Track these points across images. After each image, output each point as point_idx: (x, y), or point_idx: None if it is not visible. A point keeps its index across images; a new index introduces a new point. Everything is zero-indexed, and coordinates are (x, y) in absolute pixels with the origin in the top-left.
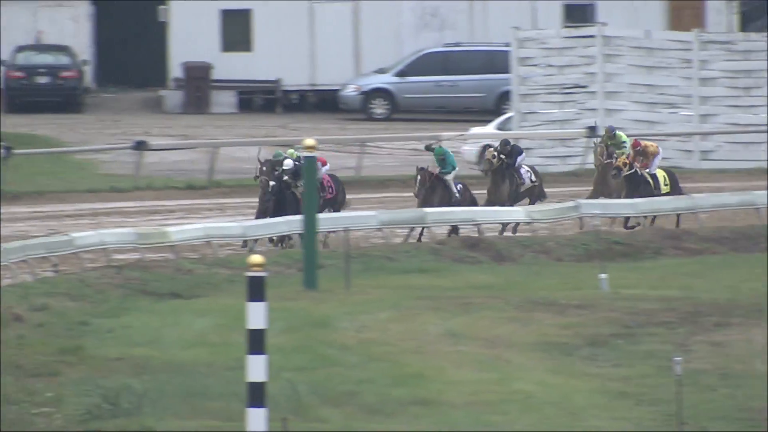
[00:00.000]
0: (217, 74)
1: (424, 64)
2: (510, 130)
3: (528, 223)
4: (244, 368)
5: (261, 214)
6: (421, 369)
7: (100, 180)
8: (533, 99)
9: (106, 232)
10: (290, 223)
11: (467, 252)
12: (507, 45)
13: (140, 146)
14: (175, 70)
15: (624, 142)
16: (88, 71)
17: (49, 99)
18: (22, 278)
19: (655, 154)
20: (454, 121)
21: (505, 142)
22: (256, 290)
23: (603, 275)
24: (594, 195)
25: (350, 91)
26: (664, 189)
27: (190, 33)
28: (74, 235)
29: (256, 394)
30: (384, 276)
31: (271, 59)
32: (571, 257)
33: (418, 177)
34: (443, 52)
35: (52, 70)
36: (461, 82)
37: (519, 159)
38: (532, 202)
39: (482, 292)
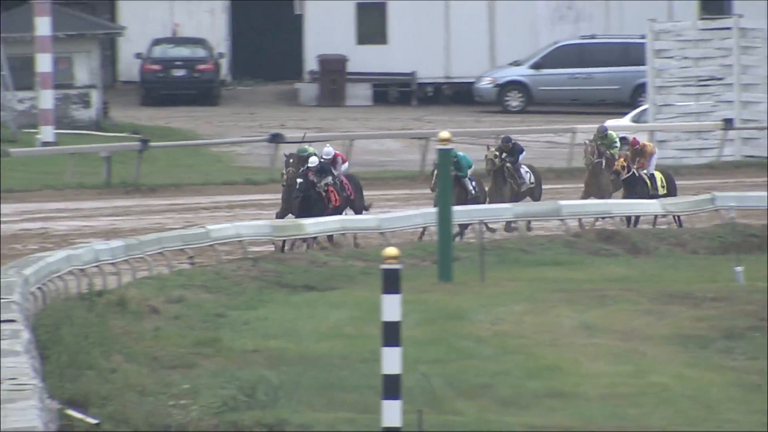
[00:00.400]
0: (352, 67)
1: (559, 57)
2: (645, 122)
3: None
4: (379, 360)
5: (284, 212)
6: (556, 361)
7: (235, 172)
8: (669, 91)
9: (241, 225)
10: (425, 216)
11: (602, 244)
12: (642, 37)
13: (276, 139)
14: (310, 63)
15: (615, 141)
16: (224, 64)
17: (185, 92)
18: (158, 270)
19: (652, 154)
20: (588, 113)
21: (506, 140)
22: (391, 282)
23: (739, 268)
24: (585, 195)
25: (485, 83)
26: (661, 191)
27: (326, 26)
28: (210, 227)
29: (391, 387)
30: (519, 268)
31: (406, 52)
32: (707, 250)
33: (435, 172)
34: (578, 44)
35: (188, 63)
36: (596, 75)
37: (521, 157)
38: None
39: (617, 284)
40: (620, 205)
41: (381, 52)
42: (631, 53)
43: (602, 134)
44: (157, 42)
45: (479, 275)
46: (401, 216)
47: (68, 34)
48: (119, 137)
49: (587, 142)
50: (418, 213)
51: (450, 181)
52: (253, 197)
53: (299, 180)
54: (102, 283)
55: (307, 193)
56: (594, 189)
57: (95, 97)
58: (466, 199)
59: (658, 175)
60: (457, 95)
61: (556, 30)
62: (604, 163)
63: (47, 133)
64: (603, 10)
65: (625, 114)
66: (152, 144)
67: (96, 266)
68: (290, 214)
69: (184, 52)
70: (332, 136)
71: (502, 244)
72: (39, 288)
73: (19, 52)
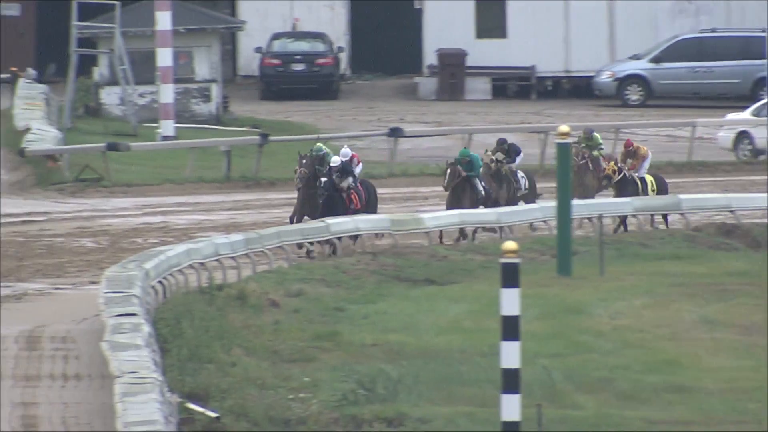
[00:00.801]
0: (471, 61)
1: (679, 50)
2: (765, 116)
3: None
4: (498, 355)
5: (301, 215)
6: (676, 356)
7: None
8: None
9: (360, 219)
10: (544, 210)
11: (723, 238)
12: (763, 31)
13: (395, 133)
14: (429, 57)
15: (600, 144)
16: (344, 58)
17: (304, 86)
18: (278, 264)
19: (645, 157)
20: (708, 107)
21: (501, 141)
22: (510, 276)
23: None
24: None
25: (605, 77)
26: (651, 194)
27: (445, 20)
28: (329, 221)
29: (510, 381)
30: (638, 262)
31: (525, 45)
32: None
33: (449, 171)
34: (699, 38)
35: (307, 57)
36: (716, 68)
37: (518, 159)
38: None
39: (738, 278)
40: (740, 199)
41: (500, 46)
42: (751, 47)
43: (588, 136)
44: (276, 36)
45: (598, 269)
46: (520, 210)
47: (189, 29)
48: (239, 131)
49: (571, 143)
50: (537, 207)
51: (569, 175)
52: None
53: (323, 179)
54: (222, 277)
55: (332, 193)
56: (579, 190)
57: (215, 91)
58: (477, 201)
59: (648, 179)
60: (577, 89)
61: (676, 24)
62: (589, 165)
63: (167, 127)
64: (723, 4)
65: (746, 108)
66: (272, 138)
67: (216, 260)
68: (306, 216)
69: (303, 46)
70: (451, 130)
71: (621, 238)
72: (159, 282)
73: (140, 47)
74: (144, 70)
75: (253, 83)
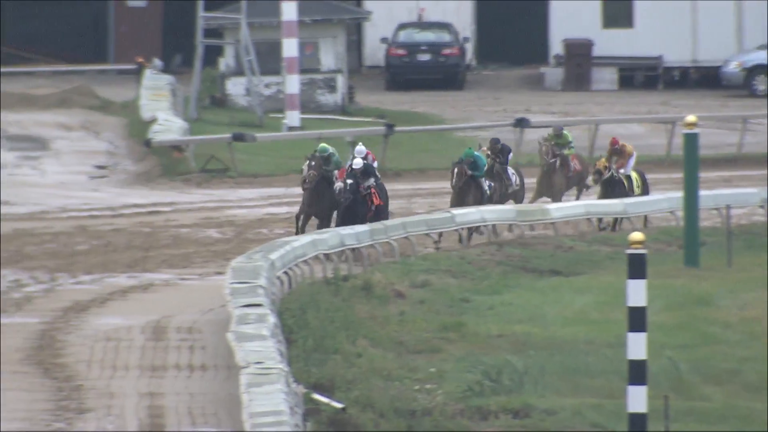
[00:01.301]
0: (597, 51)
1: None
2: None
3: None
4: (625, 346)
5: (307, 216)
6: None
7: None
8: None
9: (486, 209)
10: (671, 201)
11: None
12: None
13: (520, 123)
14: (555, 47)
15: (570, 141)
16: (469, 48)
17: (430, 76)
18: (404, 255)
19: (630, 155)
20: None
21: (495, 141)
22: (637, 268)
23: None
24: (537, 195)
25: (732, 67)
26: (637, 191)
27: (571, 10)
28: (455, 212)
29: (637, 372)
30: (766, 254)
31: (652, 35)
32: None
33: (456, 170)
34: None
35: (433, 48)
36: None
37: (509, 158)
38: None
39: None
40: None
41: (627, 35)
42: None
43: (558, 133)
44: (402, 26)
45: (726, 260)
46: (647, 201)
47: (314, 20)
48: (364, 122)
49: (541, 142)
50: (664, 198)
51: (697, 165)
52: None
53: (349, 181)
54: (347, 268)
55: (356, 196)
56: (546, 189)
57: (340, 81)
58: (481, 200)
59: (634, 175)
60: (704, 79)
61: None
62: (558, 163)
63: (293, 117)
64: None
65: None
66: (397, 128)
67: (341, 251)
68: (316, 218)
69: (429, 36)
70: (577, 121)
71: (749, 229)
72: (285, 272)
73: (266, 38)
74: (270, 60)
75: (379, 73)
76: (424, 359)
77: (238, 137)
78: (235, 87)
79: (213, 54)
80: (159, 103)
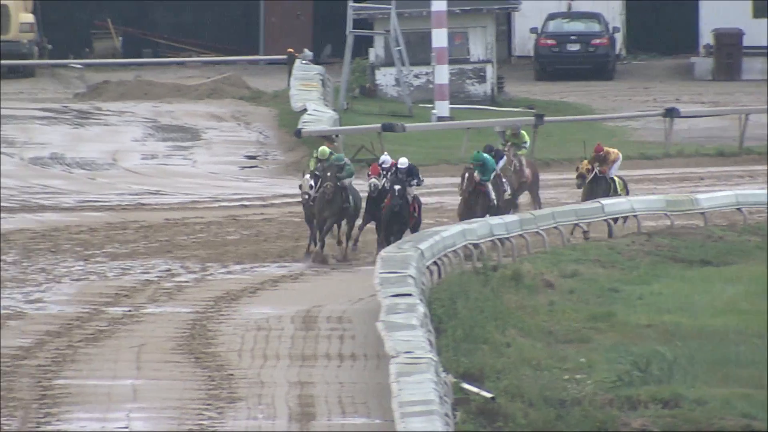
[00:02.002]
0: (747, 40)
1: None
2: None
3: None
4: None
5: (320, 220)
6: None
7: (630, 147)
8: None
9: (635, 199)
10: None
11: None
12: None
13: (670, 113)
14: (705, 37)
15: (526, 142)
16: (619, 38)
17: (579, 66)
18: (553, 245)
19: (615, 161)
20: None
21: (489, 148)
22: None
23: None
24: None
25: None
26: (621, 193)
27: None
28: (604, 202)
29: None
30: None
31: None
32: None
33: (466, 175)
34: None
35: (582, 38)
36: None
37: (501, 163)
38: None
39: None
40: None
41: None
42: None
43: (515, 133)
44: (552, 17)
45: None
46: None
47: (464, 10)
48: (514, 112)
49: (501, 144)
50: None
51: None
52: (648, 172)
53: (397, 186)
54: (497, 258)
55: (404, 200)
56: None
57: (490, 72)
58: (488, 206)
59: (617, 179)
60: None
61: None
62: (515, 166)
63: (442, 108)
64: None
65: None
66: (547, 119)
67: (491, 240)
68: (324, 222)
69: (578, 26)
70: (727, 110)
71: None
72: (434, 262)
73: (415, 28)
74: (419, 50)
75: (528, 64)
76: (573, 349)
77: (387, 127)
78: (384, 77)
79: (363, 44)
80: (309, 93)
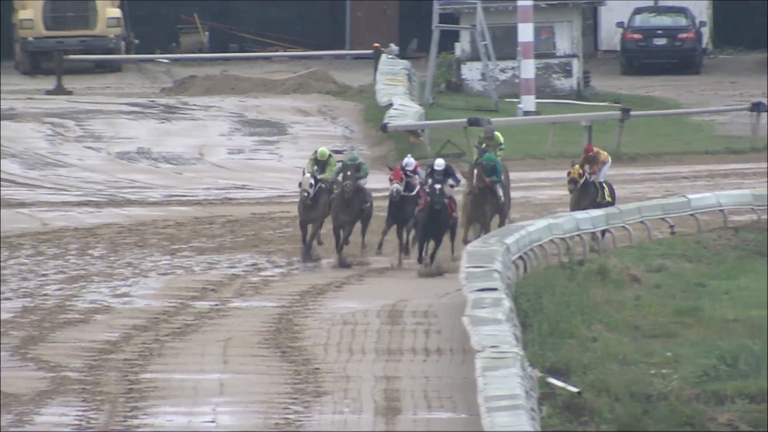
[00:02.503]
0: None
1: None
2: None
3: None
4: None
5: (336, 222)
6: None
7: (716, 141)
8: None
9: (722, 194)
10: None
11: None
12: None
13: (757, 107)
14: None
15: (501, 144)
16: (706, 33)
17: (666, 61)
18: (639, 239)
19: (604, 162)
20: None
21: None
22: None
23: None
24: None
25: None
26: (608, 200)
27: None
28: (690, 196)
29: None
30: None
31: None
32: None
33: (476, 171)
34: None
35: (669, 32)
36: None
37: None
38: (501, 223)
39: None
40: None
41: None
42: None
43: (489, 135)
44: (638, 11)
45: None
46: None
47: (550, 4)
48: (600, 106)
49: (476, 146)
50: None
51: None
52: (734, 166)
53: (437, 186)
54: (582, 252)
55: (443, 201)
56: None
57: (576, 66)
58: (497, 207)
59: (605, 185)
60: None
61: None
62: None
63: (528, 102)
64: None
65: None
66: (633, 113)
67: (577, 235)
68: (342, 228)
69: (665, 21)
70: None
71: None
72: (520, 257)
73: (501, 22)
74: (505, 45)
75: (614, 58)
76: (659, 343)
77: (473, 122)
78: (470, 72)
79: (449, 39)
80: (395, 88)
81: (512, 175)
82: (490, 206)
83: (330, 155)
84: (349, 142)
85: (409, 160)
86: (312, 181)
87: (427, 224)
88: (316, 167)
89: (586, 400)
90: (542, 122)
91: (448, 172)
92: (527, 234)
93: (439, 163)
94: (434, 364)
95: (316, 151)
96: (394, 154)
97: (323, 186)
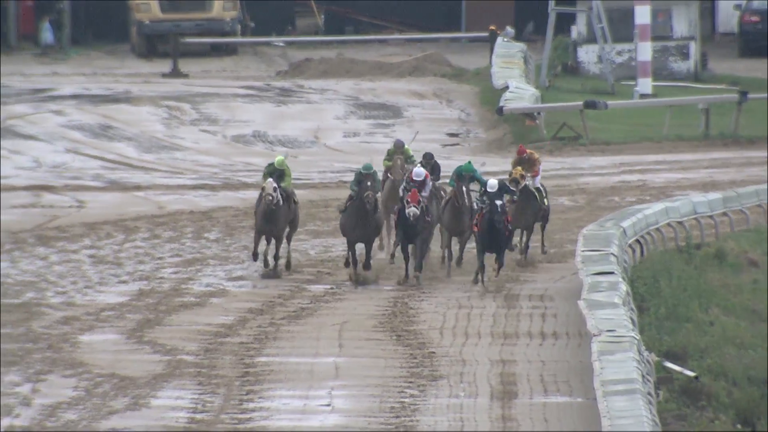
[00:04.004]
0: None
1: None
2: None
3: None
4: None
5: (352, 235)
6: None
7: None
8: None
9: None
10: None
11: None
12: None
13: None
14: None
15: (412, 156)
16: None
17: None
18: (756, 223)
19: (540, 163)
20: None
21: (429, 156)
22: None
23: None
24: (386, 209)
25: None
26: (546, 203)
27: None
28: None
29: None
30: None
31: None
32: None
33: (465, 189)
34: None
35: None
36: None
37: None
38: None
39: None
40: None
41: None
42: None
43: (400, 148)
44: None
45: None
46: None
47: None
48: (717, 89)
49: (392, 157)
50: None
51: None
52: None
53: (498, 202)
54: (700, 236)
55: (501, 217)
56: (395, 202)
57: (693, 48)
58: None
59: (542, 188)
60: None
61: None
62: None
63: (644, 85)
64: None
65: None
66: (751, 95)
67: (694, 219)
68: (360, 241)
69: None
70: None
71: None
72: (637, 240)
73: (618, 5)
74: (621, 28)
75: (732, 40)
76: None
77: (589, 105)
78: (586, 54)
79: (565, 22)
80: (511, 70)
81: (629, 158)
82: (468, 219)
83: (372, 169)
84: (465, 125)
85: (419, 170)
86: (275, 185)
87: (488, 239)
88: (270, 179)
89: (703, 385)
90: (659, 105)
91: (502, 189)
92: (644, 217)
93: (492, 185)
94: (550, 348)
95: (273, 161)
96: (510, 138)
97: (283, 195)
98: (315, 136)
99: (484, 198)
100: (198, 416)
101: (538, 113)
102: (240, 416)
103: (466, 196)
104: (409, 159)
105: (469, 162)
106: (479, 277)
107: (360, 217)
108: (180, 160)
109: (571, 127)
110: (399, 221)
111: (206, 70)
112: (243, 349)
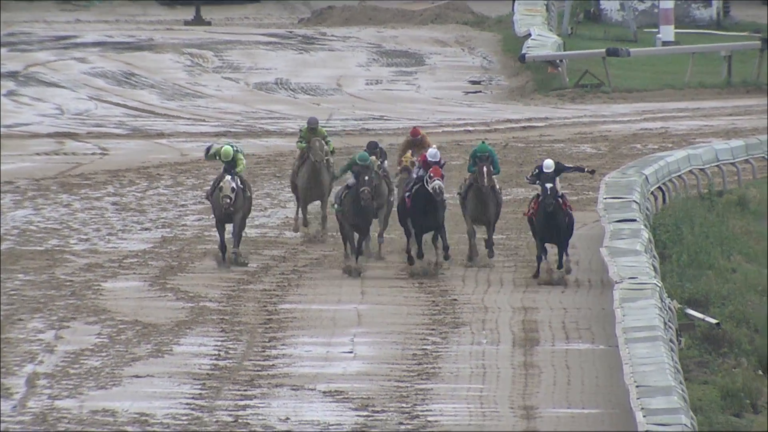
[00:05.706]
0: None
1: None
2: None
3: None
4: None
5: (353, 228)
6: None
7: None
8: None
9: None
10: None
11: None
12: None
13: None
14: None
15: (326, 135)
16: None
17: None
18: None
19: (431, 147)
20: None
21: (373, 145)
22: None
23: None
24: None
25: None
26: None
27: None
28: None
29: None
30: None
31: None
32: None
33: (485, 168)
34: None
35: None
36: None
37: (386, 163)
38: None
39: None
40: None
41: None
42: None
43: (313, 127)
44: None
45: None
46: None
47: None
48: (739, 36)
49: (315, 140)
50: None
51: None
52: None
53: (548, 185)
54: (722, 183)
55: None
56: (315, 189)
57: None
58: (498, 204)
59: None
60: None
61: None
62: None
63: (667, 32)
64: None
65: None
66: None
67: (716, 166)
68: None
69: None
70: None
71: None
72: (659, 187)
73: None
74: None
75: None
76: None
77: (612, 52)
78: (609, 2)
79: None
80: (533, 18)
81: (651, 106)
82: (493, 205)
83: (236, 150)
84: (487, 73)
85: (434, 151)
86: (233, 185)
87: (544, 226)
88: (228, 178)
89: (725, 332)
90: (681, 52)
91: (558, 169)
92: (666, 165)
93: (549, 165)
94: (572, 295)
95: (219, 151)
96: (532, 85)
97: (239, 183)
98: (337, 84)
99: (537, 180)
100: (221, 363)
101: (561, 61)
102: (263, 363)
103: (487, 177)
104: (324, 138)
105: (483, 142)
106: (548, 266)
107: (356, 212)
108: (202, 107)
109: (594, 74)
110: (412, 210)
111: (229, 17)
112: (266, 296)
